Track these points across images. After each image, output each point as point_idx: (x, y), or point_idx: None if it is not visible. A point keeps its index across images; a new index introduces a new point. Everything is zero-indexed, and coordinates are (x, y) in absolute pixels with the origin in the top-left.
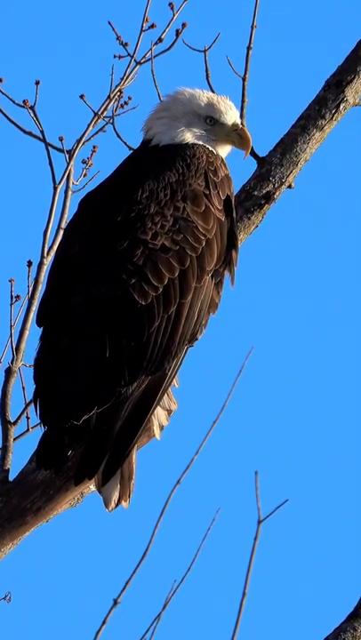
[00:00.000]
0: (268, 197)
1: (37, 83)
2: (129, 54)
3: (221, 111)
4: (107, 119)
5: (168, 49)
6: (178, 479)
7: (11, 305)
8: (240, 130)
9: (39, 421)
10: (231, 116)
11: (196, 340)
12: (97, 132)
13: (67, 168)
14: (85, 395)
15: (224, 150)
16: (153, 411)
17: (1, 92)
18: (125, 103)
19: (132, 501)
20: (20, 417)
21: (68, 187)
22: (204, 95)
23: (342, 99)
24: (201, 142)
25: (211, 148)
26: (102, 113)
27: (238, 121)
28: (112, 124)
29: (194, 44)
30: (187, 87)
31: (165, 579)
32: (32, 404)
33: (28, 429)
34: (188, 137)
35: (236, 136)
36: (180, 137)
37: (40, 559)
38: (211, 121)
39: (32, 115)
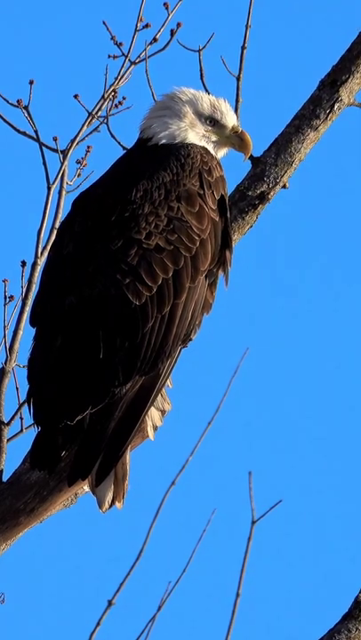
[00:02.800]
0: (263, 197)
1: (31, 82)
2: (123, 54)
3: (223, 112)
4: (101, 119)
5: (163, 49)
6: (172, 480)
7: (4, 305)
8: (241, 133)
9: (33, 422)
10: (231, 118)
11: (191, 340)
12: (91, 132)
13: (61, 168)
14: (79, 395)
15: (220, 152)
16: (147, 411)
17: None
18: (120, 103)
19: (126, 502)
20: (13, 417)
21: (61, 187)
22: (205, 96)
23: (337, 98)
24: (202, 143)
25: (210, 149)
26: (96, 113)
27: (237, 124)
28: (106, 124)
29: (188, 44)
30: (184, 87)
31: (160, 580)
32: (26, 405)
33: (21, 430)
34: (191, 136)
35: (237, 139)
36: (182, 136)
37: (34, 560)
38: (212, 122)
39: (26, 114)
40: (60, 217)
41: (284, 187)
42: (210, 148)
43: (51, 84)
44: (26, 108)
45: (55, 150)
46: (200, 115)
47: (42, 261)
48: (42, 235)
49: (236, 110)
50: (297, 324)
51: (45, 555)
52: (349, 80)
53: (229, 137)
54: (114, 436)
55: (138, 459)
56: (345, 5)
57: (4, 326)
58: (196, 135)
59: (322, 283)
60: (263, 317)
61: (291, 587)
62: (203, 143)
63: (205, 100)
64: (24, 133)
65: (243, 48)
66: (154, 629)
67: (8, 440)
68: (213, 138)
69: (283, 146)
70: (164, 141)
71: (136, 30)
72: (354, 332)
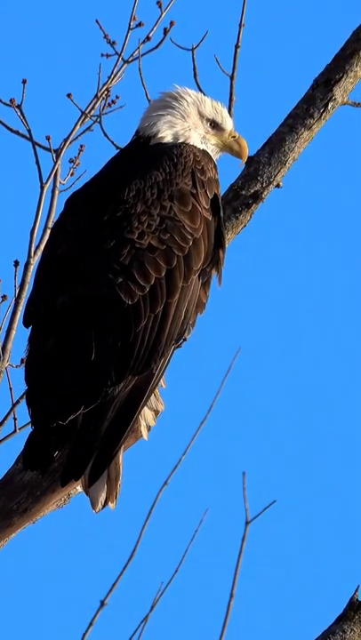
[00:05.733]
0: (257, 197)
1: (24, 81)
2: (117, 53)
3: (224, 116)
4: (94, 118)
5: (156, 47)
6: (165, 480)
7: None
8: (238, 138)
9: (28, 422)
10: (230, 122)
11: (185, 340)
12: (84, 131)
13: (54, 167)
14: (72, 395)
15: (216, 155)
16: (140, 411)
17: None
18: (113, 102)
19: (119, 502)
20: (6, 417)
21: (55, 186)
22: (207, 98)
23: (331, 97)
24: (202, 145)
25: (209, 151)
26: (90, 112)
27: (234, 128)
28: (99, 122)
29: (182, 43)
30: (184, 87)
31: (153, 580)
32: (19, 405)
33: (15, 430)
34: (194, 137)
35: (235, 143)
36: (186, 136)
37: (27, 561)
38: (212, 124)
39: (19, 113)
40: (54, 216)
41: (277, 186)
42: (209, 150)
43: (44, 83)
44: (19, 107)
45: (48, 149)
46: (202, 116)
47: (35, 261)
48: (35, 234)
49: (229, 109)
50: (290, 324)
51: (38, 555)
52: (343, 79)
53: (227, 141)
54: (107, 436)
55: (131, 459)
56: (339, 4)
57: None
58: (198, 137)
59: (316, 282)
60: (256, 317)
61: (285, 587)
62: (203, 145)
63: (208, 103)
64: (17, 132)
65: (236, 47)
66: (146, 630)
67: (1, 440)
68: (212, 140)
69: (276, 145)
70: (168, 140)
71: (129, 29)
72: (349, 331)
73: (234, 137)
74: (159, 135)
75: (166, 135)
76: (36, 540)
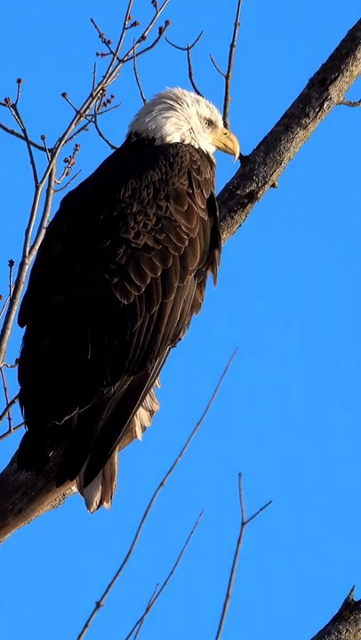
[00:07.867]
0: (252, 196)
1: (19, 81)
2: (112, 52)
3: (217, 115)
4: (89, 117)
5: (151, 47)
6: (161, 481)
7: None
8: (229, 134)
9: (22, 422)
10: (221, 120)
11: (179, 340)
12: (79, 131)
13: (49, 167)
14: (67, 395)
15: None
16: (135, 411)
17: None
18: (108, 101)
19: (115, 503)
20: (1, 417)
21: (50, 185)
22: (201, 98)
23: (326, 97)
24: (205, 145)
25: (211, 151)
26: (85, 111)
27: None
28: (94, 122)
29: (177, 42)
30: (179, 88)
31: (148, 581)
32: (14, 405)
33: (9, 430)
34: (200, 138)
35: (228, 140)
36: (191, 137)
37: (21, 561)
38: (209, 124)
39: (14, 113)
40: (49, 216)
41: (273, 186)
42: (212, 150)
43: (39, 83)
44: (14, 106)
45: (43, 149)
46: (199, 116)
47: (30, 261)
48: (30, 234)
49: (225, 109)
50: (286, 324)
51: (33, 556)
52: (339, 78)
53: (220, 138)
54: (102, 436)
55: (126, 459)
56: (334, 4)
57: None
58: (201, 137)
59: (312, 282)
60: (253, 317)
61: (281, 588)
62: (205, 145)
63: (202, 102)
64: (12, 132)
65: (232, 46)
66: (142, 631)
67: None
68: (209, 140)
69: (272, 144)
70: (176, 141)
71: (124, 28)
72: (346, 331)
73: (225, 134)
74: (167, 137)
75: (174, 137)
76: (31, 540)
